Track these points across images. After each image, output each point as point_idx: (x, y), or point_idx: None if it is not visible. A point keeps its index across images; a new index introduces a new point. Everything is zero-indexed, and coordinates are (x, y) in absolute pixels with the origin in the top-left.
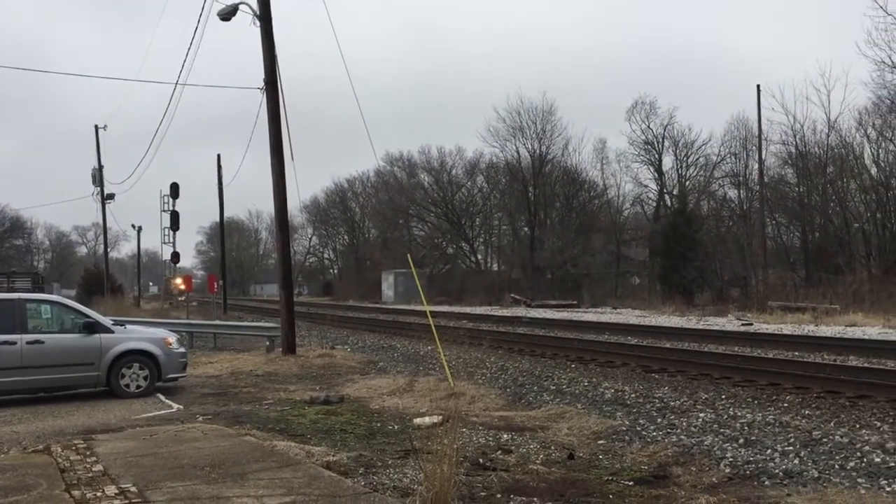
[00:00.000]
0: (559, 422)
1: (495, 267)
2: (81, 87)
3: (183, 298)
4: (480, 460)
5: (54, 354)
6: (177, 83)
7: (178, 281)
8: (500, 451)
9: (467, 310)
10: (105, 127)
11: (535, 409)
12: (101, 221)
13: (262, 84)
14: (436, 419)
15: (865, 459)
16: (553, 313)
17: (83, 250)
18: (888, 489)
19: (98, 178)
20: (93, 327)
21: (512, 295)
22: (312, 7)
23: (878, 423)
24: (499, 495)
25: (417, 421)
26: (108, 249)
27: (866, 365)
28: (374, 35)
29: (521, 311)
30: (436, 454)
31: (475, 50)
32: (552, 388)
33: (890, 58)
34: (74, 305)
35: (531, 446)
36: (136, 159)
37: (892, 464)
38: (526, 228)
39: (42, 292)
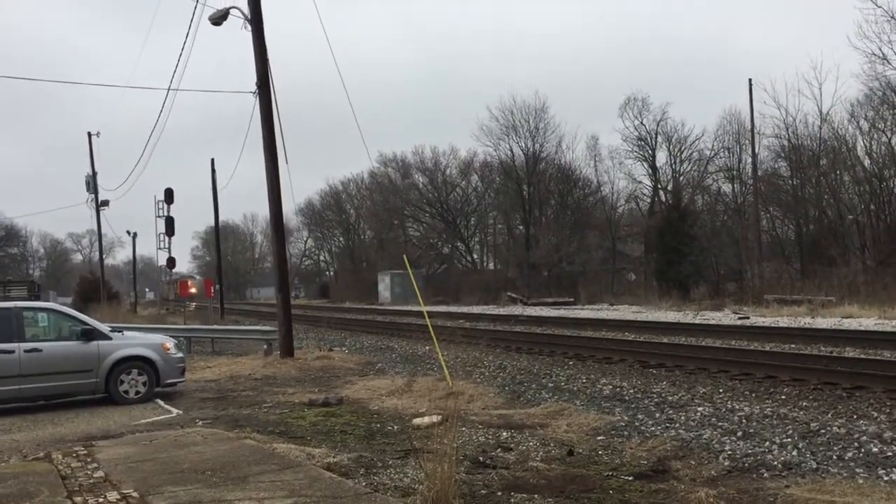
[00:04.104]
0: (558, 419)
1: (491, 266)
2: (77, 94)
3: (193, 305)
4: (480, 458)
5: (52, 362)
6: (169, 88)
7: (193, 291)
8: (499, 449)
9: (464, 309)
10: (98, 134)
11: (534, 407)
12: (95, 228)
13: (254, 87)
14: (435, 419)
15: (863, 450)
16: (550, 311)
17: (78, 257)
18: (886, 479)
19: (92, 184)
20: (90, 334)
21: (508, 293)
22: (306, 9)
23: (876, 414)
24: (499, 493)
25: (417, 421)
26: (104, 256)
27: (863, 356)
28: (368, 36)
29: (517, 310)
30: (436, 453)
31: (467, 50)
32: (550, 385)
33: (881, 49)
34: (71, 313)
35: (531, 444)
36: (130, 166)
37: (890, 454)
38: (521, 227)
39: (38, 300)
